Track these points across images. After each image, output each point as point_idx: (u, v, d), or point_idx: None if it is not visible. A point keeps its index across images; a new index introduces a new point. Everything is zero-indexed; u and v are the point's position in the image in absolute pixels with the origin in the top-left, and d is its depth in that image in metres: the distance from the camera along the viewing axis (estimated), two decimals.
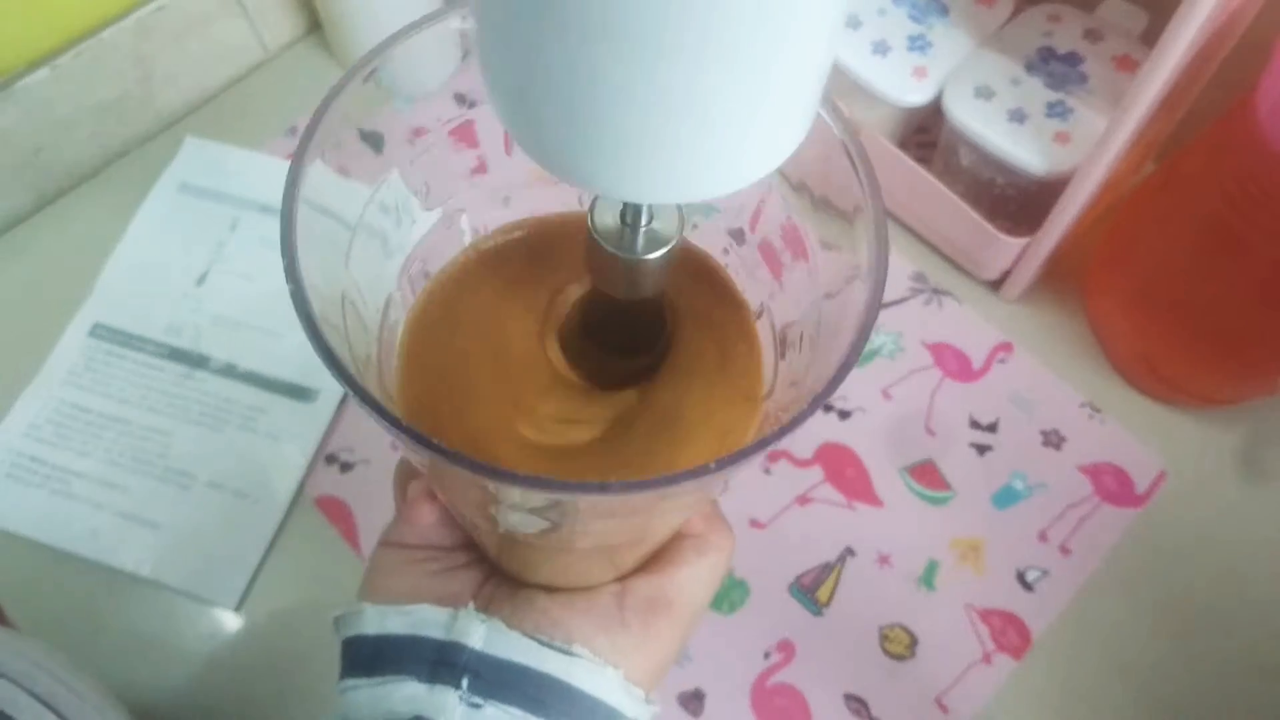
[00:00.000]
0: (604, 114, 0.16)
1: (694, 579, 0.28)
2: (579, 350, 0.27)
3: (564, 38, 0.15)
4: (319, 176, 0.21)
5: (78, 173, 0.58)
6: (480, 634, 0.26)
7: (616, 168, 0.17)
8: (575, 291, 0.27)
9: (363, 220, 0.24)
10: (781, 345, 0.27)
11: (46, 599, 0.46)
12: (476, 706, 0.25)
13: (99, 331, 0.52)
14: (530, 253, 0.28)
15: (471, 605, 0.27)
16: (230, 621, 0.46)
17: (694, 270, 0.28)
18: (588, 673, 0.26)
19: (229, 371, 0.51)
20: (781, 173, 0.25)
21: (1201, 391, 0.50)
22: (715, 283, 0.28)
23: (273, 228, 0.55)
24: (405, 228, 0.26)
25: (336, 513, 0.48)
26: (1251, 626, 0.46)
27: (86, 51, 0.53)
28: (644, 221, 0.22)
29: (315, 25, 0.64)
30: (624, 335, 0.26)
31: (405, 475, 0.31)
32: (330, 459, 0.49)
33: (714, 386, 0.27)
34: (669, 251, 0.22)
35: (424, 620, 0.27)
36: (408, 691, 0.26)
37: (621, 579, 0.28)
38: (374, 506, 0.48)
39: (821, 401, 0.20)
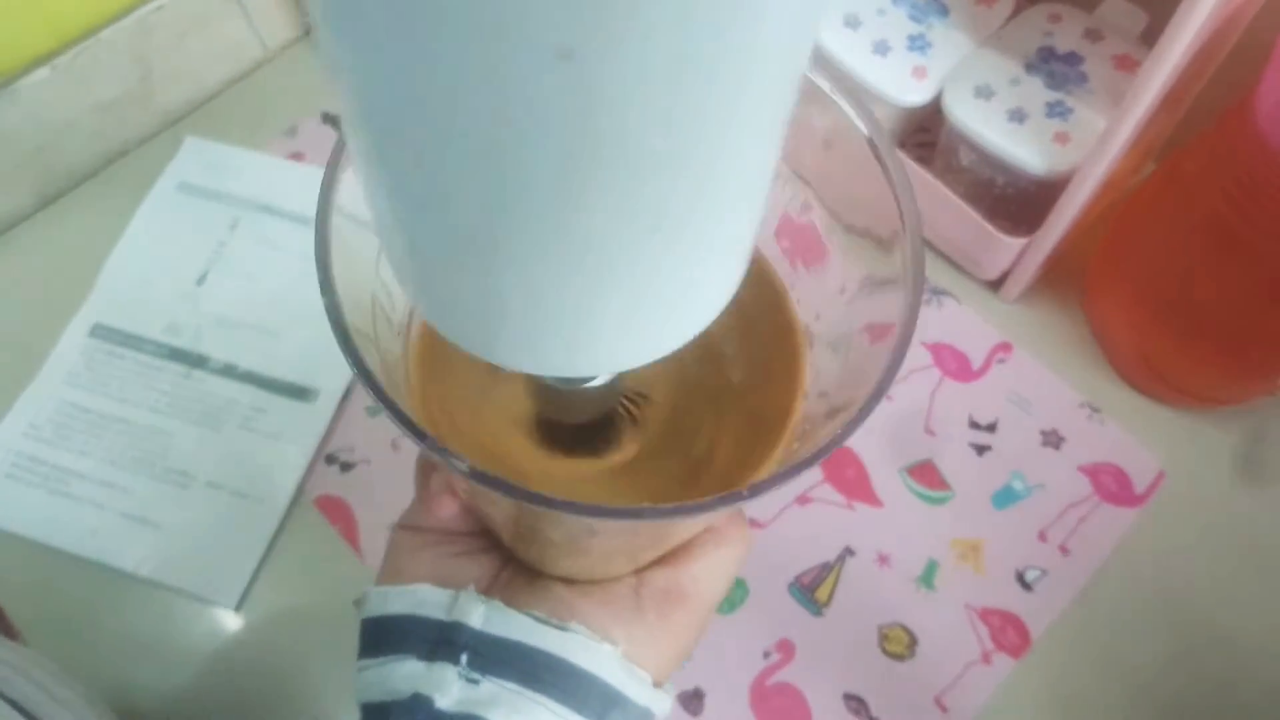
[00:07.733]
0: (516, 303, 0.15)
1: (710, 571, 0.28)
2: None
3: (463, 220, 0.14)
4: (350, 184, 0.21)
5: (78, 173, 0.58)
6: (480, 614, 0.26)
7: (546, 349, 0.16)
8: None
9: None
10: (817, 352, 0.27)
11: (46, 599, 0.46)
12: (474, 682, 0.25)
13: (99, 331, 0.52)
14: None
15: (472, 588, 0.27)
16: (230, 621, 0.46)
17: (758, 289, 0.28)
18: (582, 648, 0.26)
19: (229, 371, 0.51)
20: (815, 190, 0.25)
21: (1201, 391, 0.50)
22: (774, 301, 0.28)
23: (273, 227, 0.55)
24: None
25: (336, 512, 0.48)
26: (1251, 626, 0.46)
27: (86, 51, 0.53)
28: None
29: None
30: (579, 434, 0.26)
31: (427, 464, 0.31)
32: (330, 459, 0.49)
33: (745, 399, 0.27)
34: (611, 378, 0.21)
35: (424, 601, 0.27)
36: (407, 670, 0.26)
37: (639, 572, 0.28)
38: (374, 506, 0.48)
39: (855, 427, 0.20)
